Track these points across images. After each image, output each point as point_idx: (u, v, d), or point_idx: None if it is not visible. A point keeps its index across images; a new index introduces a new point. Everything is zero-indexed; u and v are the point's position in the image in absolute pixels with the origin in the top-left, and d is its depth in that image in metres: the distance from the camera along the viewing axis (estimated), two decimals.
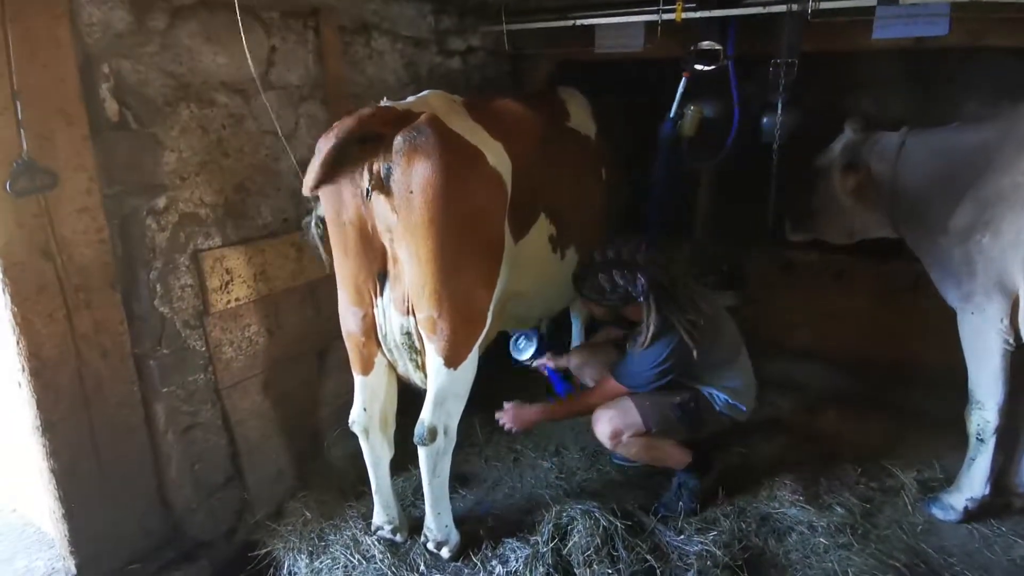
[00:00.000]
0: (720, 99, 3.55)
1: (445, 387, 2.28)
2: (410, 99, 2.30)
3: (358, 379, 2.47)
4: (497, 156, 2.26)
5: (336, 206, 2.18)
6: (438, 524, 2.49)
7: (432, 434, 2.30)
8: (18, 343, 1.98)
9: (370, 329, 2.35)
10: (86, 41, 2.03)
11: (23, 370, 2.01)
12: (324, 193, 2.20)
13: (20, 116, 1.85)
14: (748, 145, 3.42)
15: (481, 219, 2.21)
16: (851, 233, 3.16)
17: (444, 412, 2.32)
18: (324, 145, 2.01)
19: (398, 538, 2.63)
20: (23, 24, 1.84)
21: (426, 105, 2.24)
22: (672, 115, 3.48)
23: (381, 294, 2.27)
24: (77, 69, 2.00)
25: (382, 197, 2.07)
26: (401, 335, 2.30)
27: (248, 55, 2.28)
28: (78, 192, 2.04)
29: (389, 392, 2.53)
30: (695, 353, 2.49)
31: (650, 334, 2.50)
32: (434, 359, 2.24)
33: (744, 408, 2.75)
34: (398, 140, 2.01)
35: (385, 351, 2.41)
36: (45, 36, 1.91)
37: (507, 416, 2.80)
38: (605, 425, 2.61)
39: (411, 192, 2.03)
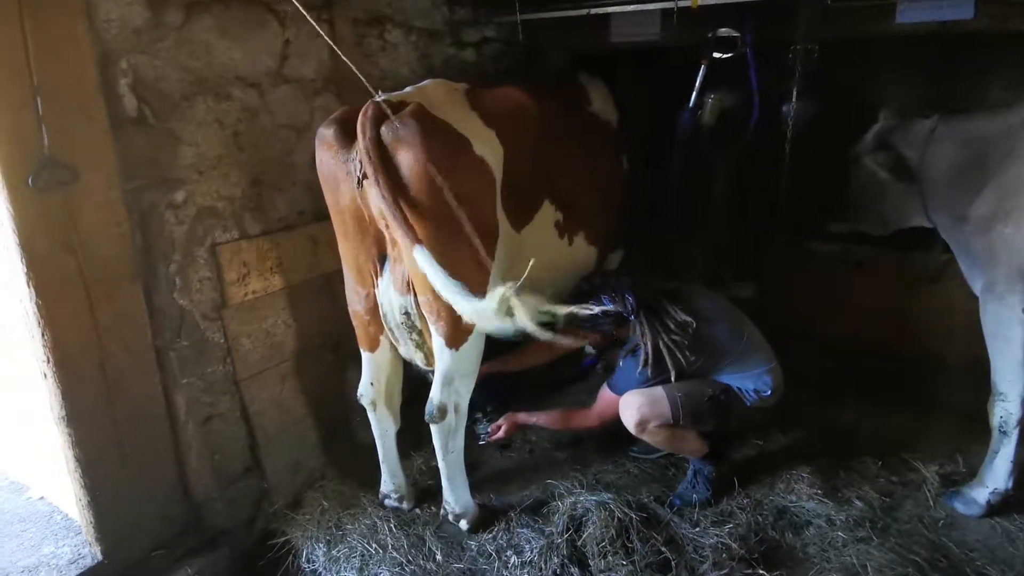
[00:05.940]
0: (740, 87, 3.50)
1: (450, 367, 2.36)
2: (408, 89, 2.33)
3: (365, 355, 2.60)
4: (486, 143, 2.28)
5: (334, 194, 2.28)
6: (456, 497, 2.59)
7: (442, 412, 2.39)
8: (43, 335, 2.02)
9: (373, 308, 2.46)
10: (104, 37, 2.05)
11: (48, 361, 2.05)
12: (323, 181, 2.30)
13: (41, 112, 1.87)
14: (767, 134, 3.37)
15: (469, 204, 2.22)
16: (886, 223, 3.09)
17: (452, 391, 2.40)
18: (363, 144, 2.05)
19: (404, 506, 2.76)
20: (41, 21, 1.87)
21: (422, 94, 2.28)
22: (691, 104, 3.44)
23: (381, 275, 2.35)
24: (95, 65, 2.03)
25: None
26: (400, 315, 2.36)
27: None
28: (98, 187, 2.08)
29: (394, 368, 2.66)
30: (684, 363, 2.56)
31: (650, 349, 2.56)
32: (437, 340, 2.32)
33: (770, 392, 2.70)
34: (383, 131, 2.06)
35: (387, 331, 2.50)
36: (63, 33, 1.93)
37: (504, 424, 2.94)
38: (634, 413, 2.60)
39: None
